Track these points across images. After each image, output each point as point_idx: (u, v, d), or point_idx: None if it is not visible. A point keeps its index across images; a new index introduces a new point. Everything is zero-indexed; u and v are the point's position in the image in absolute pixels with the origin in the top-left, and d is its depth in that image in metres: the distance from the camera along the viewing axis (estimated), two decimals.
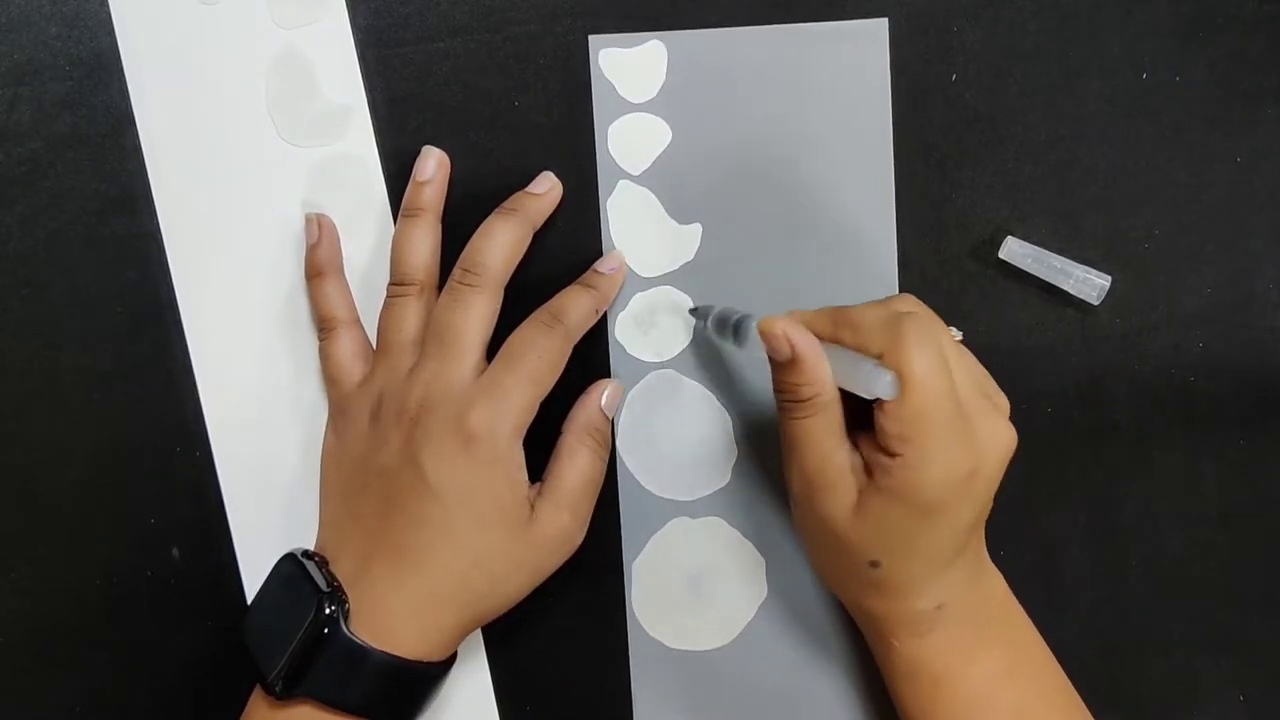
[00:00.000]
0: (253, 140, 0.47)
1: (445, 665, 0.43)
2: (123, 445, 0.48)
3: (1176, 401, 0.47)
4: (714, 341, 0.47)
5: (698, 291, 0.47)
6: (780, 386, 0.40)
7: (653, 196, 0.47)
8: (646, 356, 0.48)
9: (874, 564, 0.40)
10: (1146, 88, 0.46)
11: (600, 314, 0.46)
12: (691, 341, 0.47)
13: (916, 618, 0.41)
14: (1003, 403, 0.41)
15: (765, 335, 0.39)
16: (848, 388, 0.39)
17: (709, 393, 0.48)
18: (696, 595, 0.48)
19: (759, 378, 0.47)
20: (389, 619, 0.41)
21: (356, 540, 0.43)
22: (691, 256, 0.47)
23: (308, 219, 0.47)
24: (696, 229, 0.47)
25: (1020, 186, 0.46)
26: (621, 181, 0.47)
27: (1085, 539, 0.47)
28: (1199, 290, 0.47)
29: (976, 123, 0.46)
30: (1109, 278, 0.45)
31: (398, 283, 0.46)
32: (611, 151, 0.47)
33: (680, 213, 0.47)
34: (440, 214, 0.46)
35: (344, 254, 0.47)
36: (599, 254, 0.47)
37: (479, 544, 0.42)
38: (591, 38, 0.47)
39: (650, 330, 0.47)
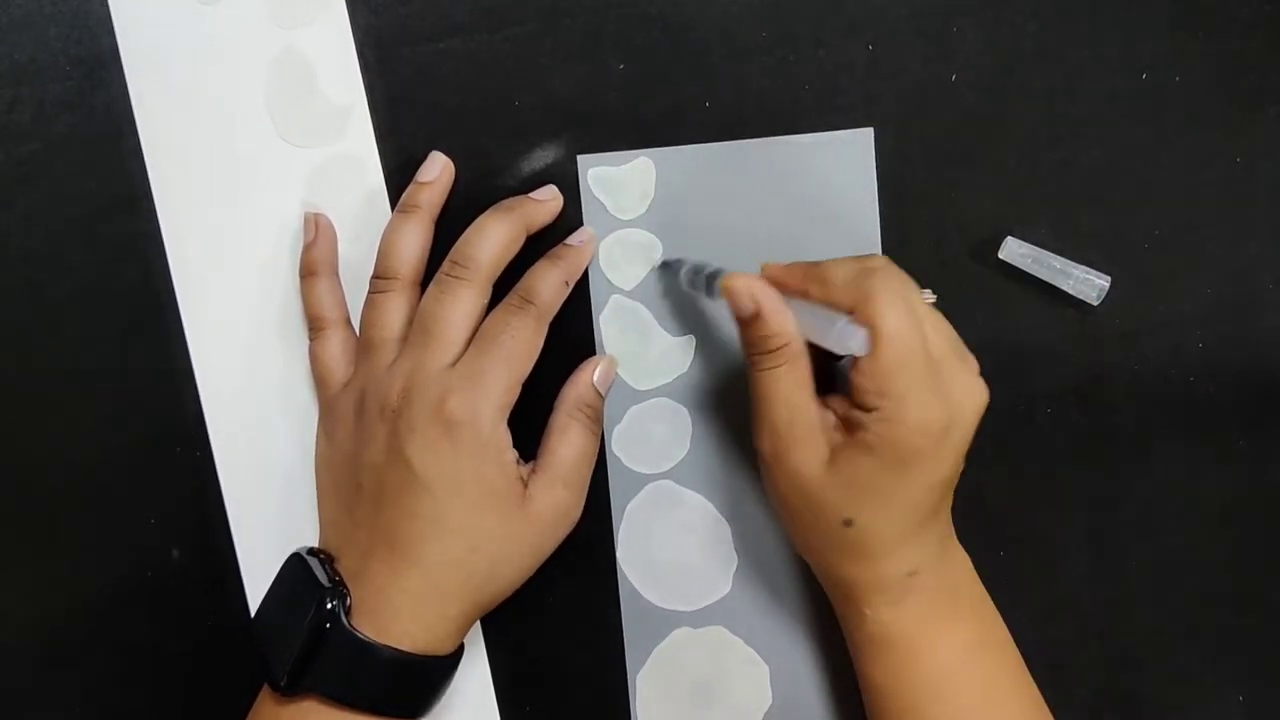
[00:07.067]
0: (253, 140, 0.47)
1: (452, 659, 0.44)
2: (123, 445, 0.48)
3: (1176, 401, 0.47)
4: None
5: (694, 406, 0.47)
6: (748, 339, 0.41)
7: (645, 311, 0.47)
8: (644, 469, 0.48)
9: (847, 522, 0.40)
10: (1146, 88, 0.46)
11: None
12: (689, 451, 0.47)
13: (890, 583, 0.41)
14: (972, 363, 0.41)
15: (728, 293, 0.40)
16: (821, 344, 0.39)
17: (707, 501, 0.48)
18: (702, 705, 0.48)
19: (757, 486, 0.47)
20: (391, 613, 0.42)
21: (356, 537, 0.43)
22: (685, 369, 0.47)
23: (306, 218, 0.47)
24: (690, 341, 0.47)
25: (1020, 186, 0.46)
26: (614, 297, 0.47)
27: (1085, 539, 0.47)
28: (1199, 290, 0.47)
29: (976, 123, 0.46)
30: (1109, 278, 0.45)
31: (381, 276, 0.45)
32: (603, 268, 0.47)
33: (673, 326, 0.47)
34: (435, 217, 0.46)
35: (343, 254, 0.47)
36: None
37: (474, 530, 0.42)
38: (580, 157, 0.47)
39: (647, 443, 0.47)
